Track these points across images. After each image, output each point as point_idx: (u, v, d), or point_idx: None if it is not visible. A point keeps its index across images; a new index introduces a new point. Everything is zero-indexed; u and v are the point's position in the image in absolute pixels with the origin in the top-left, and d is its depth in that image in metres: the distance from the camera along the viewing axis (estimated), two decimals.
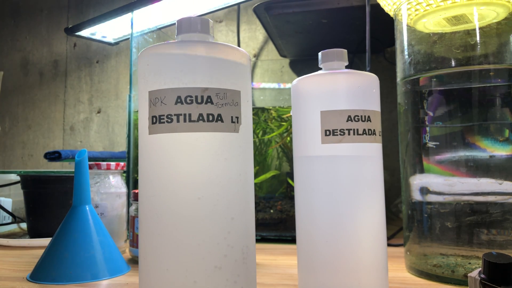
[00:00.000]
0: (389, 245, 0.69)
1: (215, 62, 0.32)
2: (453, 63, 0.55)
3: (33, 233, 0.84)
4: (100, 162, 0.69)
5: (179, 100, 0.31)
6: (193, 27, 0.34)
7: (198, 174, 0.31)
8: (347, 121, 0.39)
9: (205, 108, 0.31)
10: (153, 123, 0.32)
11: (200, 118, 0.31)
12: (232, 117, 0.32)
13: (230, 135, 0.32)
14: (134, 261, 0.62)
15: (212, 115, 0.31)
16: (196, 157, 0.31)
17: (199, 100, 0.31)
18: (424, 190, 0.55)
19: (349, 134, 0.39)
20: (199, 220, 0.30)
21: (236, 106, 0.32)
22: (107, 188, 0.69)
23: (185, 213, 0.30)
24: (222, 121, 0.31)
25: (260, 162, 0.84)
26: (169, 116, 0.31)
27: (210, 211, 0.31)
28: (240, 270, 0.31)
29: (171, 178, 0.31)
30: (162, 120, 0.31)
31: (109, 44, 1.17)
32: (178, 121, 0.31)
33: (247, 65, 0.34)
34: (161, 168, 0.31)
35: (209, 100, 0.31)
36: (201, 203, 0.31)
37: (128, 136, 0.85)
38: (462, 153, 0.52)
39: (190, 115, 0.31)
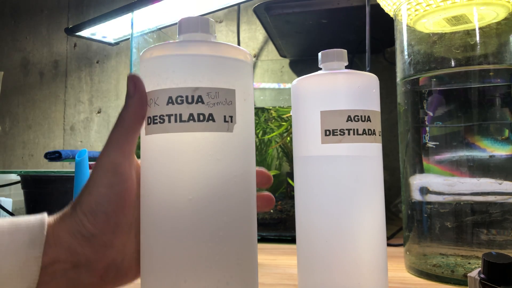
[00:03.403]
0: (389, 245, 0.69)
1: (207, 62, 0.32)
2: (453, 63, 0.55)
3: None
4: None
5: (170, 101, 0.31)
6: (193, 27, 0.34)
7: (189, 175, 0.31)
8: (347, 121, 0.39)
9: (195, 108, 0.31)
10: (148, 124, 0.32)
11: (191, 118, 0.31)
12: (225, 116, 0.31)
13: (223, 135, 0.31)
14: None
15: (203, 114, 0.31)
16: (187, 157, 0.31)
17: (190, 100, 0.31)
18: (424, 190, 0.55)
19: (349, 134, 0.39)
20: (190, 220, 0.30)
21: (229, 105, 0.32)
22: None
23: (176, 214, 0.30)
24: (213, 120, 0.31)
25: (260, 162, 0.85)
26: (161, 117, 0.31)
27: (201, 212, 0.30)
28: (233, 272, 0.31)
29: (163, 179, 0.31)
30: (155, 121, 0.31)
31: (109, 44, 1.17)
32: (169, 121, 0.31)
33: (245, 63, 0.34)
34: (155, 168, 0.31)
35: (199, 100, 0.31)
36: (191, 204, 0.30)
37: None
38: (462, 153, 0.53)
39: (180, 115, 0.31)
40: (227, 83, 0.32)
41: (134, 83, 0.32)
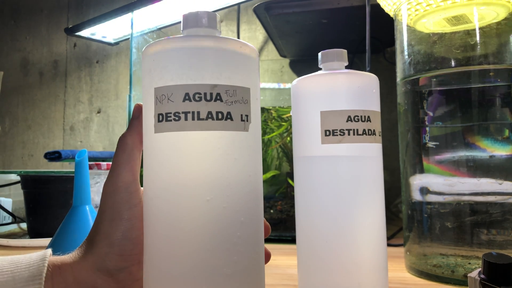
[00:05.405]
0: (389, 245, 0.69)
1: (224, 58, 0.30)
2: (453, 63, 0.55)
3: (33, 233, 0.84)
4: (100, 162, 0.69)
5: (187, 97, 0.29)
6: (200, 22, 0.32)
7: (207, 175, 0.29)
8: (347, 121, 0.39)
9: (214, 106, 0.29)
10: (159, 121, 0.30)
11: (209, 116, 0.29)
12: (241, 115, 0.30)
13: (240, 134, 0.30)
14: None
15: (222, 113, 0.30)
16: (204, 156, 0.29)
17: (208, 97, 0.29)
18: (424, 190, 0.55)
19: (349, 134, 0.39)
20: (207, 222, 0.29)
21: (245, 104, 0.31)
22: None
23: (193, 216, 0.29)
24: (231, 119, 0.30)
25: None
26: (176, 114, 0.29)
27: (219, 213, 0.29)
28: (249, 275, 0.30)
29: (179, 179, 0.30)
30: (169, 118, 0.30)
31: (109, 44, 1.17)
32: (186, 119, 0.29)
33: (256, 61, 0.33)
34: (168, 168, 0.30)
35: (218, 98, 0.29)
36: (210, 205, 0.29)
37: None
38: (462, 153, 0.52)
39: (199, 113, 0.29)
40: (243, 81, 0.31)
41: (139, 109, 0.34)
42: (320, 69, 0.44)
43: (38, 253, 0.32)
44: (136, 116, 0.34)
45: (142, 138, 0.33)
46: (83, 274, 0.30)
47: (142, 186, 0.33)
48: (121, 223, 0.31)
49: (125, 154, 0.33)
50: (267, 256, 0.35)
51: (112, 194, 0.32)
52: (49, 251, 0.32)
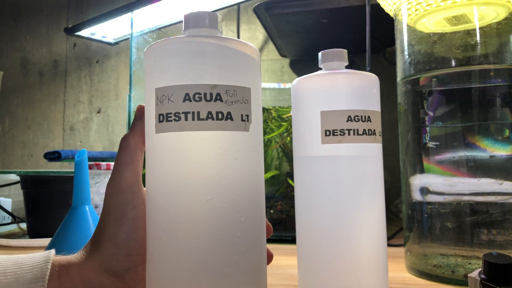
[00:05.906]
0: (389, 245, 0.69)
1: (224, 58, 0.31)
2: (453, 63, 0.54)
3: (32, 233, 0.84)
4: (100, 162, 0.69)
5: (187, 98, 0.29)
6: (201, 22, 0.32)
7: (207, 175, 0.29)
8: (347, 121, 0.39)
9: (214, 106, 0.29)
10: (160, 121, 0.30)
11: (209, 116, 0.29)
12: (242, 115, 0.30)
13: (240, 134, 0.30)
14: None
15: (222, 113, 0.30)
16: (205, 157, 0.30)
17: (208, 98, 0.29)
18: (424, 190, 0.55)
19: (349, 134, 0.39)
20: (208, 222, 0.29)
21: (246, 103, 0.31)
22: None
23: (193, 215, 0.29)
24: (231, 119, 0.30)
25: None
26: (176, 114, 0.30)
27: (219, 213, 0.29)
28: (250, 275, 0.31)
29: (179, 179, 0.30)
30: (169, 118, 0.30)
31: (109, 44, 1.17)
32: (186, 119, 0.29)
33: (257, 61, 0.33)
34: (168, 168, 0.30)
35: (218, 98, 0.30)
36: (210, 205, 0.29)
37: None
38: (462, 153, 0.52)
39: (198, 113, 0.29)
40: (243, 81, 0.31)
41: (141, 110, 0.34)
42: (320, 69, 0.44)
43: (41, 254, 0.31)
44: (138, 117, 0.34)
45: (145, 138, 0.33)
46: (90, 274, 0.31)
47: (144, 186, 0.33)
48: (126, 223, 0.31)
49: (128, 155, 0.33)
50: (269, 257, 0.35)
51: (116, 195, 0.32)
52: (53, 251, 0.32)
